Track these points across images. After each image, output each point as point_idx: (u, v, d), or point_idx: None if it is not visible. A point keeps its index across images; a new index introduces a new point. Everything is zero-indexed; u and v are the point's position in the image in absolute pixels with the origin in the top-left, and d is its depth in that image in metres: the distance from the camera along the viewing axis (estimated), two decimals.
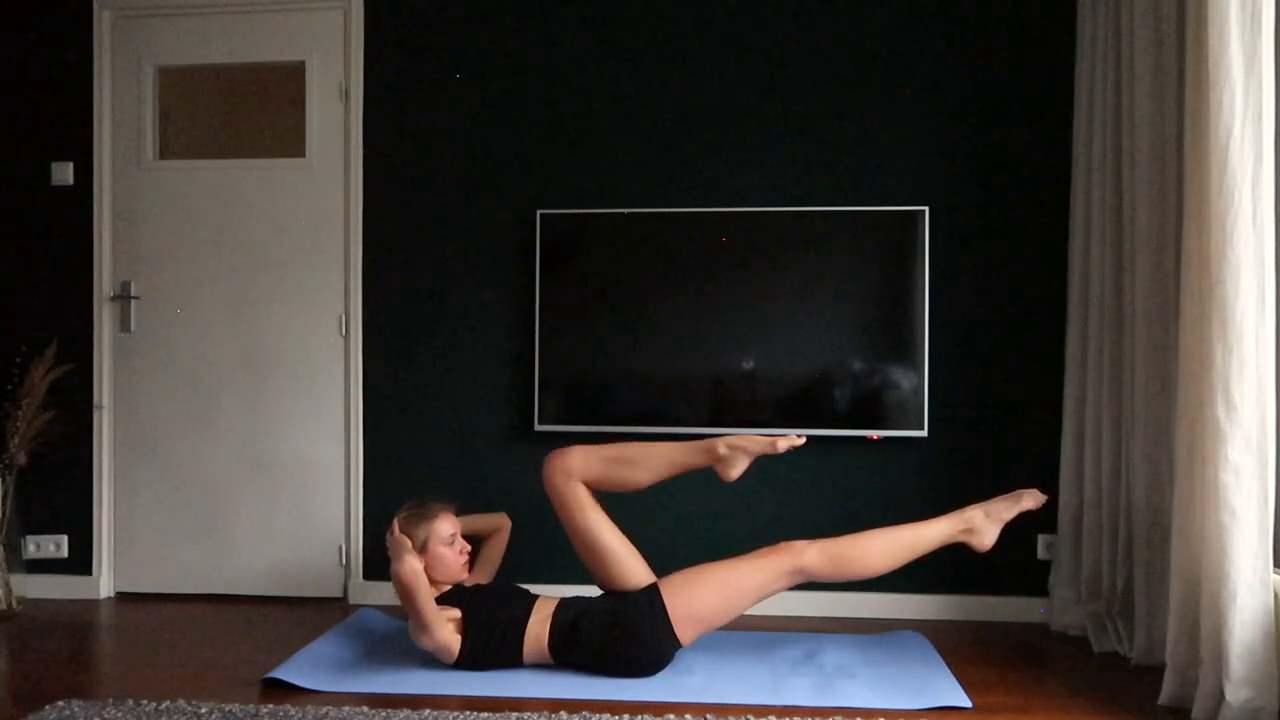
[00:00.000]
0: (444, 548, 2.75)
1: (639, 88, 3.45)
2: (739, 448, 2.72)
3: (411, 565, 2.53)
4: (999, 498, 2.74)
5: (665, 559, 2.87)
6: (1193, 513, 2.26)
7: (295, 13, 3.56)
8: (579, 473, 2.71)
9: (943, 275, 3.32)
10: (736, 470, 2.74)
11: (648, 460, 2.75)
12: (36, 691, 2.50)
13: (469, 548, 2.84)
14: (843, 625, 3.21)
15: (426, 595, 2.53)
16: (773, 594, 2.63)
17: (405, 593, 2.53)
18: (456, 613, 2.63)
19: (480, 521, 3.07)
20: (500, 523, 3.12)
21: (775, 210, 3.34)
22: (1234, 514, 2.15)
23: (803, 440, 2.72)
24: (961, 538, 2.70)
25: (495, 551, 3.10)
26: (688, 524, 3.39)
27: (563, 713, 2.31)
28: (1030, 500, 2.74)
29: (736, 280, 3.32)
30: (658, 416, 3.34)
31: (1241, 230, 2.15)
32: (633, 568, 2.68)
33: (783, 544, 2.64)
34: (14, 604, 3.36)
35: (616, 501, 3.42)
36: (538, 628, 2.61)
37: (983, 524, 2.69)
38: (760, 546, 2.65)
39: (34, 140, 3.61)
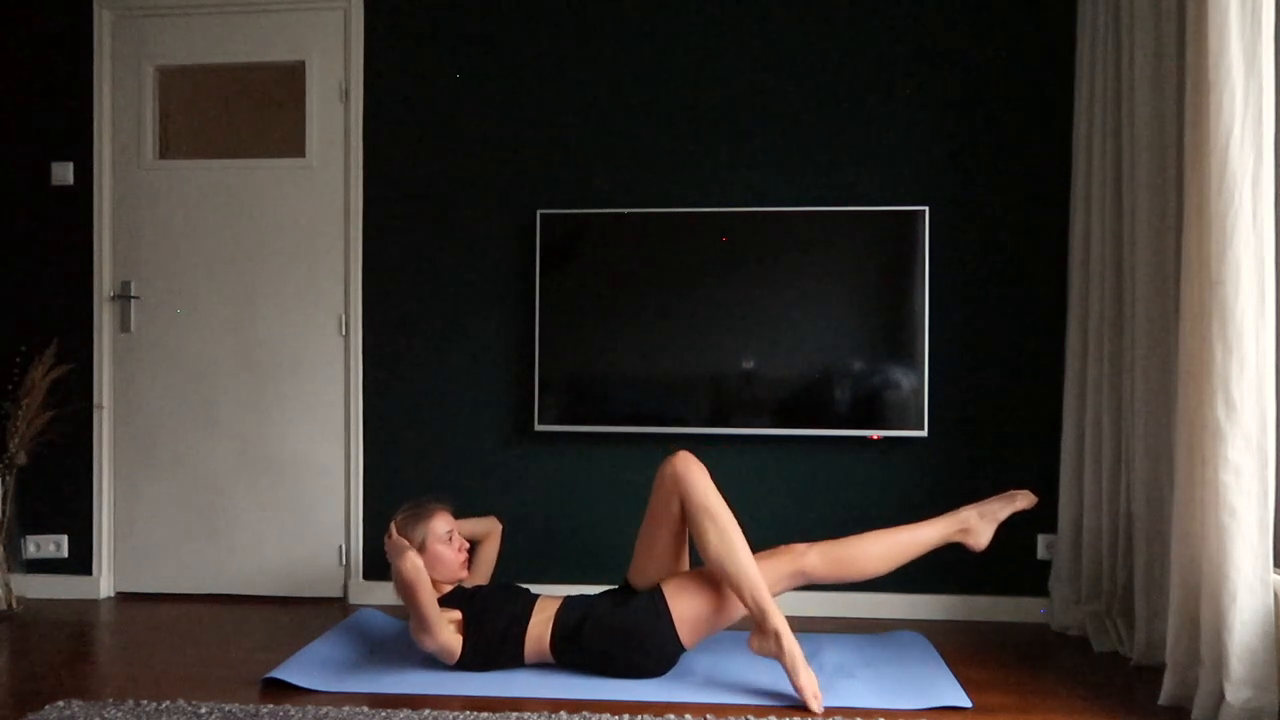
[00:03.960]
0: (442, 545, 2.75)
1: (639, 88, 3.45)
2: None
3: (413, 561, 2.52)
4: (992, 498, 2.79)
5: None
6: (1193, 513, 2.26)
7: (295, 13, 3.57)
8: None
9: (943, 275, 3.32)
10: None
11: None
12: (36, 691, 2.49)
13: (467, 545, 2.84)
14: (843, 625, 3.21)
15: (429, 594, 2.53)
16: (774, 596, 2.62)
17: (407, 590, 2.52)
18: (457, 614, 2.62)
19: (471, 526, 3.06)
20: (490, 527, 3.11)
21: (775, 210, 3.33)
22: (1234, 514, 2.15)
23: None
24: (957, 538, 2.73)
25: (489, 555, 3.09)
26: None
27: (563, 713, 2.31)
28: (1023, 500, 2.78)
29: (736, 280, 3.32)
30: (658, 416, 3.34)
31: (1241, 230, 2.15)
32: (670, 572, 2.68)
33: (783, 547, 2.66)
34: (14, 604, 3.36)
35: (616, 503, 3.43)
36: (539, 628, 2.61)
37: (977, 524, 2.73)
38: (762, 548, 2.65)
39: (34, 140, 3.62)
